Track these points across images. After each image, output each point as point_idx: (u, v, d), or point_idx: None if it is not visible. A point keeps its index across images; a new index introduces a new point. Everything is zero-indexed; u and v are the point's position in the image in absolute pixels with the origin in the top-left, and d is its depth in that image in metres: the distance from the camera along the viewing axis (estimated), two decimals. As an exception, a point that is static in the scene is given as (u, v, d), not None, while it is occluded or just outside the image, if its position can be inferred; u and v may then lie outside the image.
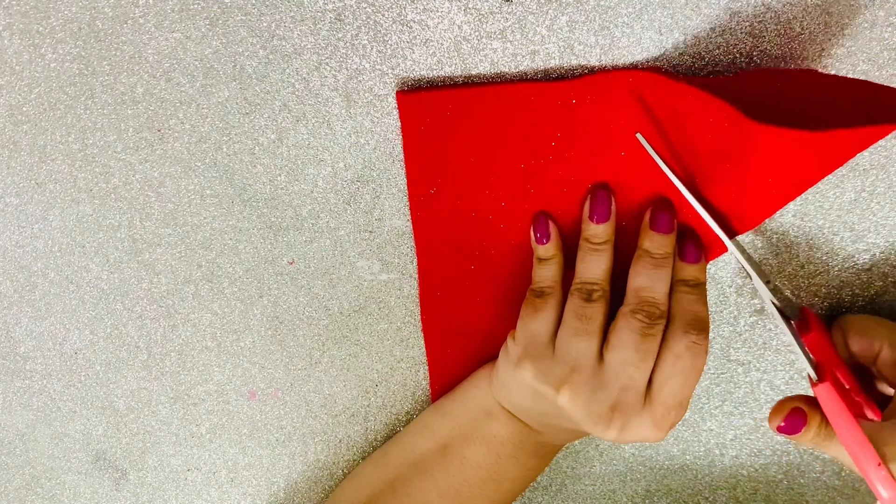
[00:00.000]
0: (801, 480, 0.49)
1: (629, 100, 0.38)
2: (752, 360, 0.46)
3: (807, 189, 0.38)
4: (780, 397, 0.47)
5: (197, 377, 0.48)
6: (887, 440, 0.34)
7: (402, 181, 0.42)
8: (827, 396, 0.36)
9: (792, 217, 0.42)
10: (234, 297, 0.46)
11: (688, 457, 0.49)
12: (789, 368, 0.46)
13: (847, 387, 0.39)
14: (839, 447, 0.37)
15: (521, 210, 0.42)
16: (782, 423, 0.38)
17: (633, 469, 0.50)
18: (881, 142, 0.40)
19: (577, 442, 0.49)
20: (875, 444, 0.34)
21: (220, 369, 0.48)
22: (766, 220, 0.42)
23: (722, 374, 0.47)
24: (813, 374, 0.37)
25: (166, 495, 0.51)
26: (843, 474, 0.48)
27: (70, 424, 0.50)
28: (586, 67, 0.39)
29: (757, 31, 0.38)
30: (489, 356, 0.45)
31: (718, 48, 0.38)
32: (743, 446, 0.48)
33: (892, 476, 0.33)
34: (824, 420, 0.38)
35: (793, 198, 0.38)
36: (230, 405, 0.49)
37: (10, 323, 0.47)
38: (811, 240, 0.42)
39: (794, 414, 0.38)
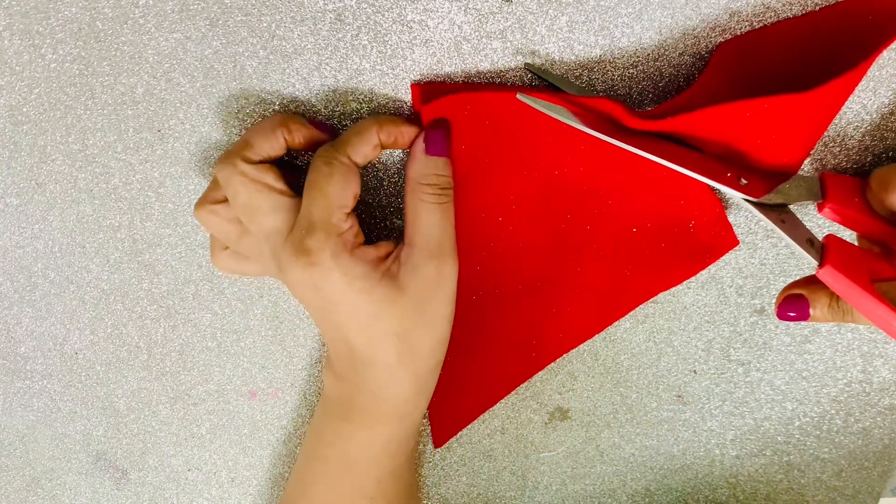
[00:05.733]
0: (802, 480, 0.49)
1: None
2: (752, 360, 0.46)
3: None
4: (780, 397, 0.47)
5: (197, 377, 0.48)
6: None
7: (402, 181, 0.42)
8: (831, 279, 0.34)
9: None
10: (235, 297, 0.46)
11: (688, 457, 0.49)
12: (789, 368, 0.46)
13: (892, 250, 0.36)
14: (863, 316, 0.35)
15: (531, 213, 0.42)
16: (787, 314, 0.37)
17: (634, 469, 0.50)
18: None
19: (577, 442, 0.49)
20: None
21: (221, 369, 0.48)
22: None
23: (722, 374, 0.47)
24: (813, 260, 0.35)
25: (167, 495, 0.51)
26: (844, 475, 0.48)
27: (70, 425, 0.50)
28: (586, 67, 0.39)
29: (757, 31, 0.38)
30: (488, 354, 0.45)
31: (718, 48, 0.38)
32: (743, 446, 0.48)
33: None
34: (836, 295, 0.35)
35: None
36: (231, 405, 0.49)
37: (11, 323, 0.47)
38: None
39: (791, 301, 0.37)
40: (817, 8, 0.37)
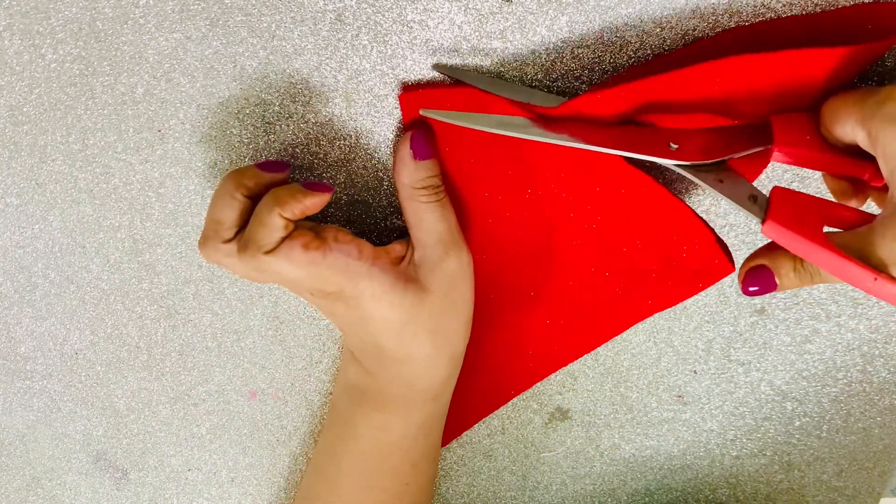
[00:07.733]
0: (802, 480, 0.49)
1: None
2: (752, 360, 0.46)
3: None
4: (780, 397, 0.47)
5: (197, 377, 0.48)
6: (876, 243, 0.29)
7: (402, 181, 0.42)
8: (775, 234, 0.31)
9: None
10: (235, 298, 0.46)
11: (688, 457, 0.49)
12: (790, 368, 0.46)
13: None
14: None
15: (518, 211, 0.42)
16: (750, 288, 0.34)
17: (634, 469, 0.50)
18: None
19: (577, 442, 0.49)
20: (862, 255, 0.29)
21: (221, 369, 0.48)
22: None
23: (722, 374, 0.47)
24: (755, 217, 0.32)
25: (167, 495, 0.51)
26: (844, 475, 0.49)
27: (70, 425, 0.50)
28: (586, 67, 0.39)
29: (757, 31, 0.38)
30: (480, 354, 0.45)
31: (718, 48, 0.38)
32: (743, 446, 0.48)
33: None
34: (799, 259, 0.33)
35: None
36: (231, 405, 0.49)
37: (11, 323, 0.47)
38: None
39: (753, 274, 0.34)
40: (817, 9, 0.37)
